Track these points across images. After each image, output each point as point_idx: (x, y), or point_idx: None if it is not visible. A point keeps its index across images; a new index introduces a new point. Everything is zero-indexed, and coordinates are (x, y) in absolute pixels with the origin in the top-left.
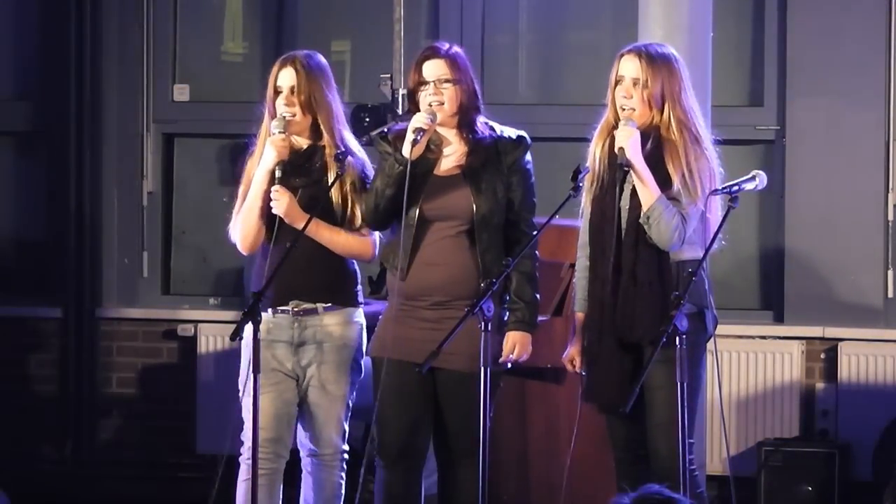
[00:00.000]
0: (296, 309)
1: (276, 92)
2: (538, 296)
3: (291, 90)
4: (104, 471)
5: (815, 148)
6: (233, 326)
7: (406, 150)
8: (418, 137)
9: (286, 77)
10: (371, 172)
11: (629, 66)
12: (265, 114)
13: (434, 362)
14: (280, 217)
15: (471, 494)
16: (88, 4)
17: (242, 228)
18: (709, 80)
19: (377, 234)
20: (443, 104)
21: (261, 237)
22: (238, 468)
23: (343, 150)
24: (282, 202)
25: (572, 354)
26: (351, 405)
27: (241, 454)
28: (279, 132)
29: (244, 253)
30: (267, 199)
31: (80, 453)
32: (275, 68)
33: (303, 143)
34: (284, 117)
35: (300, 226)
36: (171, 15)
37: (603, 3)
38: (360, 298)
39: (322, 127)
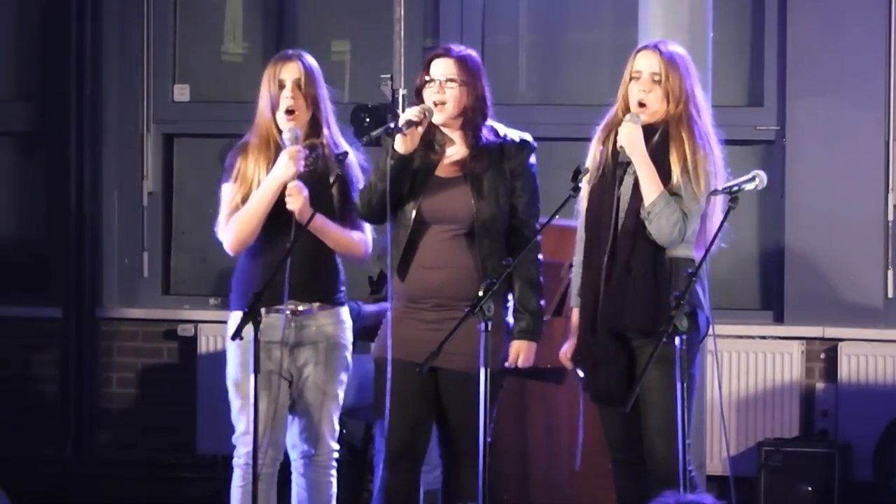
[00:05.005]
0: (293, 309)
1: (280, 86)
2: (543, 303)
3: (297, 85)
4: (104, 471)
5: (815, 148)
6: (232, 326)
7: (397, 144)
8: (404, 130)
9: (291, 71)
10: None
11: (647, 62)
12: (262, 109)
13: (436, 362)
14: (276, 218)
15: (472, 494)
16: (88, 4)
17: (241, 230)
18: (709, 80)
19: (370, 235)
20: (445, 104)
21: (252, 240)
22: (231, 473)
23: (345, 150)
24: (298, 199)
25: (568, 350)
26: (340, 404)
27: (234, 458)
28: (292, 144)
29: (231, 254)
30: (272, 205)
31: (80, 453)
32: (276, 65)
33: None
34: (296, 133)
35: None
36: (171, 15)
37: (603, 3)
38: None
39: (321, 124)
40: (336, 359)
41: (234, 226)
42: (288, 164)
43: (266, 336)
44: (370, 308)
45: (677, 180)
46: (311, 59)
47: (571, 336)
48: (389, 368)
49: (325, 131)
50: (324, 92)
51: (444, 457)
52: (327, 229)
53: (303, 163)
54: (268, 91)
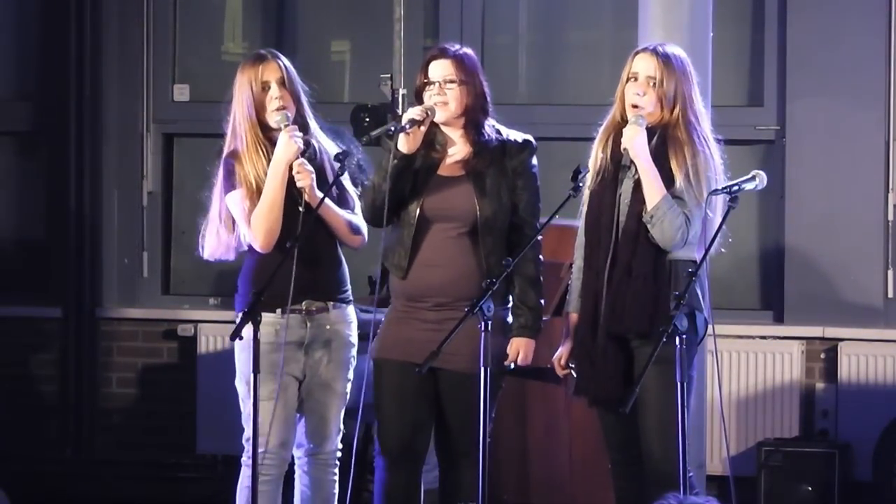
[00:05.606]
0: (308, 308)
1: (264, 87)
2: (542, 301)
3: (281, 83)
4: (104, 471)
5: (815, 148)
6: (233, 326)
7: (401, 143)
8: (407, 128)
9: (273, 71)
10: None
11: (645, 64)
12: (244, 113)
13: (435, 363)
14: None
15: (471, 494)
16: (88, 4)
17: (266, 222)
18: (709, 80)
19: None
20: (447, 104)
21: (279, 230)
22: (239, 471)
23: (345, 150)
24: (306, 176)
25: (561, 355)
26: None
27: (243, 458)
28: (287, 125)
29: (264, 250)
30: (286, 187)
31: (80, 453)
32: (256, 66)
33: None
34: (287, 115)
35: (316, 203)
36: (171, 15)
37: (603, 3)
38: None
39: (307, 119)
40: (346, 357)
41: (258, 222)
42: (289, 143)
43: (281, 338)
44: (365, 318)
45: (679, 185)
46: (285, 58)
47: (565, 341)
48: (373, 368)
49: (313, 126)
50: (301, 88)
51: (441, 458)
52: (334, 212)
53: (300, 140)
54: (250, 93)
